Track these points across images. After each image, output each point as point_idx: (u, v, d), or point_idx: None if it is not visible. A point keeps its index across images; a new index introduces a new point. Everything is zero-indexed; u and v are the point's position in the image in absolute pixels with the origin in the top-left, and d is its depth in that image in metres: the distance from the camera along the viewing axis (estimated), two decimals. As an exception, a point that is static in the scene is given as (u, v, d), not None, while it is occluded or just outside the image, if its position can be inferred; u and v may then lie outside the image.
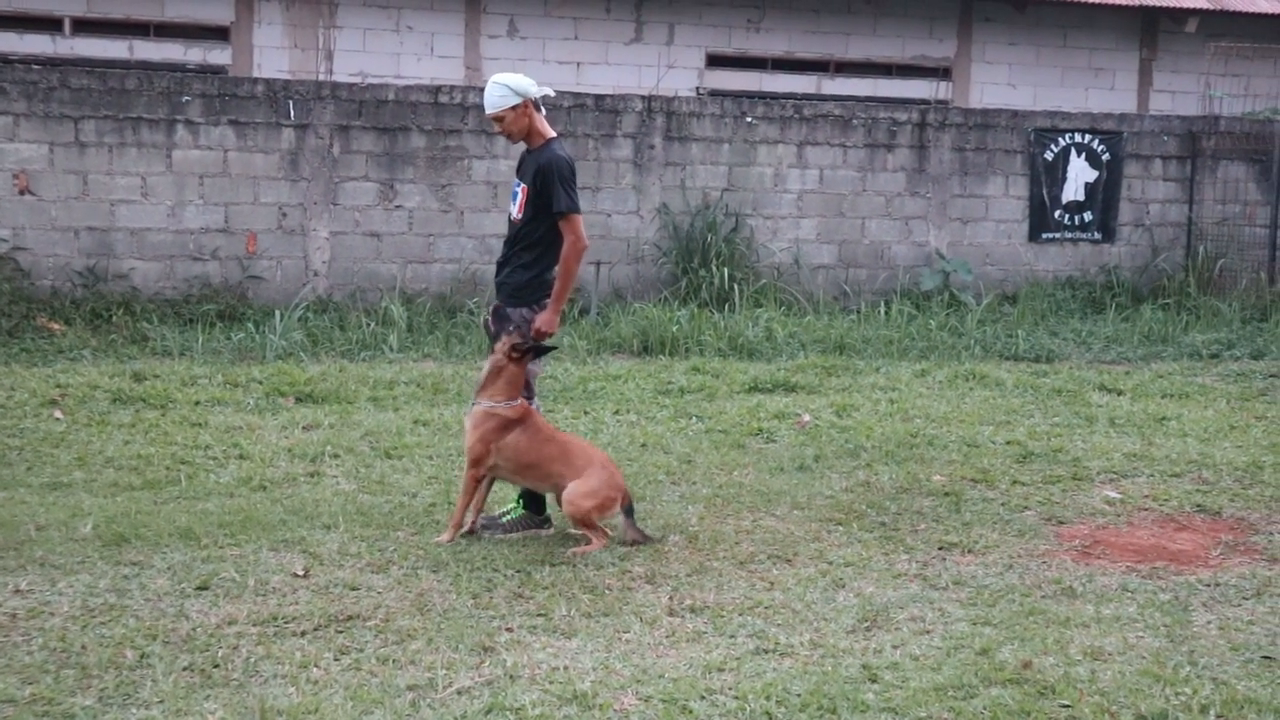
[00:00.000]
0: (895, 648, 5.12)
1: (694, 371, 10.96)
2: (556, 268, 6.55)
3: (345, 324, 12.24)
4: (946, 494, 7.45)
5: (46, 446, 8.01)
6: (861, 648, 5.11)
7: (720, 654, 5.03)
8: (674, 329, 12.16)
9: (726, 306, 13.21)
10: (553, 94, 6.79)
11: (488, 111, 6.50)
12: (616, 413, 9.51)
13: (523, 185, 6.54)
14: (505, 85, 6.42)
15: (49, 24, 15.06)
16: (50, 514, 6.60)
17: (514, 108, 6.42)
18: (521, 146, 6.70)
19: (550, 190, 6.42)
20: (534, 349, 6.50)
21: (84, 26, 15.18)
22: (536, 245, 6.53)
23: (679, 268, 13.83)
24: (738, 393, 10.31)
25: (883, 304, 13.98)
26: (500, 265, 6.71)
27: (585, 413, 9.45)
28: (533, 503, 6.69)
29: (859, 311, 13.65)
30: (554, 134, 6.63)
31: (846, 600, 5.68)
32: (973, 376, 11.07)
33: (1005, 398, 10.32)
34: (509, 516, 6.70)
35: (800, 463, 8.11)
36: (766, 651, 5.07)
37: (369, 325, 12.14)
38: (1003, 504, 7.32)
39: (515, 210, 6.60)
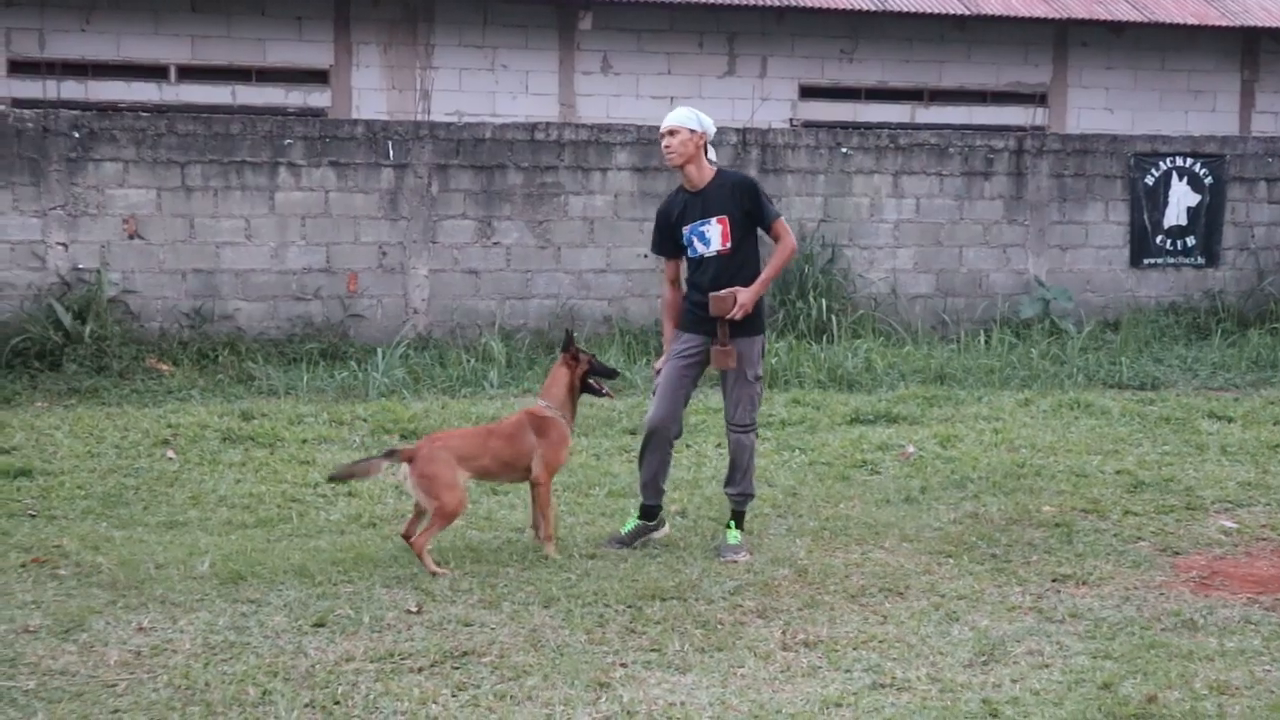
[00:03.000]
0: (1015, 682, 5.05)
1: (794, 403, 10.93)
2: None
3: (445, 361, 12.35)
4: (1057, 525, 7.36)
5: (161, 486, 8.16)
6: (980, 682, 5.06)
7: (837, 689, 5.00)
8: (773, 361, 12.13)
9: (825, 337, 13.16)
10: (716, 159, 7.02)
11: (666, 123, 6.80)
12: (718, 445, 9.49)
13: (719, 217, 6.80)
14: (694, 112, 6.85)
15: (155, 72, 15.43)
16: (168, 552, 6.72)
17: (692, 131, 6.75)
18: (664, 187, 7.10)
19: (759, 204, 6.80)
20: (603, 371, 7.11)
21: (188, 73, 15.53)
22: (746, 266, 6.85)
23: (776, 299, 13.80)
24: (839, 424, 10.27)
25: (982, 333, 13.85)
26: (702, 305, 6.85)
27: (688, 445, 9.45)
28: (646, 511, 7.03)
29: (958, 341, 13.56)
30: (711, 167, 6.91)
31: (962, 634, 5.62)
32: (1077, 405, 10.93)
33: (1112, 426, 10.18)
34: (628, 529, 7.02)
35: (906, 494, 8.06)
36: (883, 686, 5.03)
37: (469, 362, 12.24)
38: (1115, 535, 7.22)
39: (717, 245, 6.81)
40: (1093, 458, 9.04)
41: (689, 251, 6.90)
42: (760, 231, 6.93)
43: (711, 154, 6.87)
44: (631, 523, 7.05)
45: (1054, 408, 10.85)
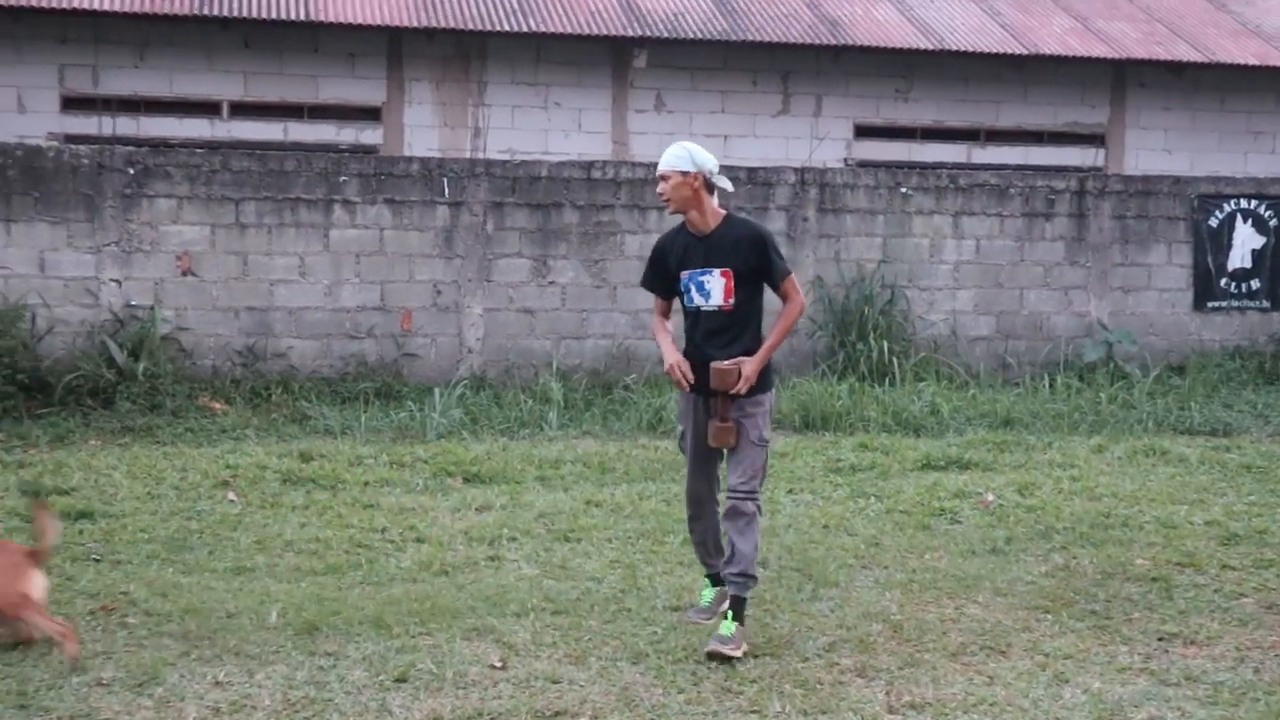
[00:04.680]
0: (1142, 751, 4.80)
1: (862, 448, 10.68)
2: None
3: (502, 401, 12.15)
4: (1154, 579, 7.09)
5: (225, 529, 7.96)
6: (1105, 751, 4.80)
7: (953, 757, 4.75)
8: (836, 404, 11.90)
9: (887, 380, 12.92)
10: (731, 188, 6.40)
11: (659, 169, 6.12)
12: (790, 491, 9.26)
13: (723, 270, 6.06)
14: (686, 149, 6.12)
15: (208, 108, 15.35)
16: (238, 600, 6.51)
17: (684, 174, 6.03)
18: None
19: (768, 261, 6.08)
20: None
21: (240, 110, 15.44)
22: (748, 325, 6.14)
23: (835, 340, 13.59)
24: (910, 470, 10.01)
25: (1045, 376, 13.57)
26: (704, 364, 6.10)
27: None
28: (715, 579, 6.49)
29: (1024, 384, 13.29)
30: (721, 210, 6.20)
31: (1075, 697, 5.36)
32: (1153, 452, 10.64)
33: (1192, 475, 9.90)
34: (707, 600, 6.49)
35: (992, 545, 7.79)
36: (1003, 754, 4.78)
37: (526, 403, 12.03)
38: (1216, 590, 6.94)
39: (718, 300, 6.09)
40: (1178, 508, 8.75)
41: (685, 300, 6.21)
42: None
43: (721, 190, 6.18)
44: (708, 592, 6.51)
45: (1129, 454, 10.57)
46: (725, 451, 6.24)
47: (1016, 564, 7.41)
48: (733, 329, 6.11)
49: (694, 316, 6.21)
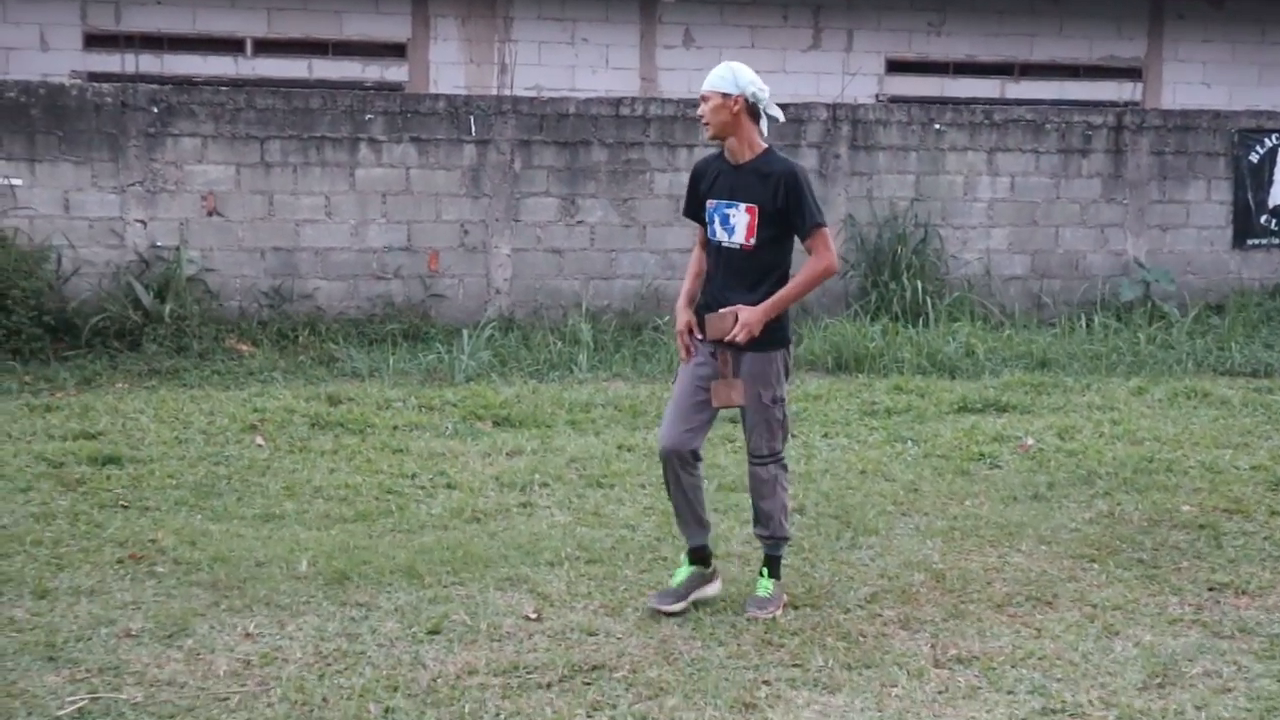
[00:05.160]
0: (1198, 709, 4.66)
1: (897, 390, 10.51)
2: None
3: (530, 343, 12.01)
4: (1201, 526, 6.93)
5: (253, 475, 7.85)
6: (1160, 708, 4.66)
7: (1003, 713, 4.63)
8: (870, 344, 11.72)
9: (921, 321, 12.72)
10: (781, 117, 5.90)
11: (702, 89, 5.65)
12: (825, 435, 9.11)
13: (748, 205, 5.58)
14: (731, 70, 5.61)
15: (231, 45, 15.12)
16: (267, 549, 6.41)
17: (725, 95, 5.54)
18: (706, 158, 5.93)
19: (799, 203, 5.55)
20: None
21: (264, 47, 15.21)
22: (773, 271, 5.64)
23: (868, 280, 13.37)
24: (947, 413, 9.84)
25: (1082, 316, 13.35)
26: (713, 306, 5.67)
27: (792, 435, 9.05)
28: (694, 554, 5.85)
29: (1060, 324, 13.06)
30: (762, 142, 5.71)
31: (1125, 650, 5.22)
32: (1194, 394, 10.45)
33: (1235, 417, 9.71)
34: (679, 580, 5.78)
35: (1033, 491, 7.64)
36: (1054, 712, 4.65)
37: (555, 344, 11.89)
38: (1265, 538, 6.78)
39: (740, 236, 5.61)
40: (1223, 451, 8.57)
41: (709, 232, 5.76)
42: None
43: (765, 123, 5.68)
44: (682, 571, 5.82)
45: (1170, 397, 10.38)
46: (740, 411, 5.78)
47: (1059, 511, 7.26)
48: (754, 273, 5.62)
49: (715, 253, 5.73)
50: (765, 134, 5.74)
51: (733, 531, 6.78)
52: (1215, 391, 10.51)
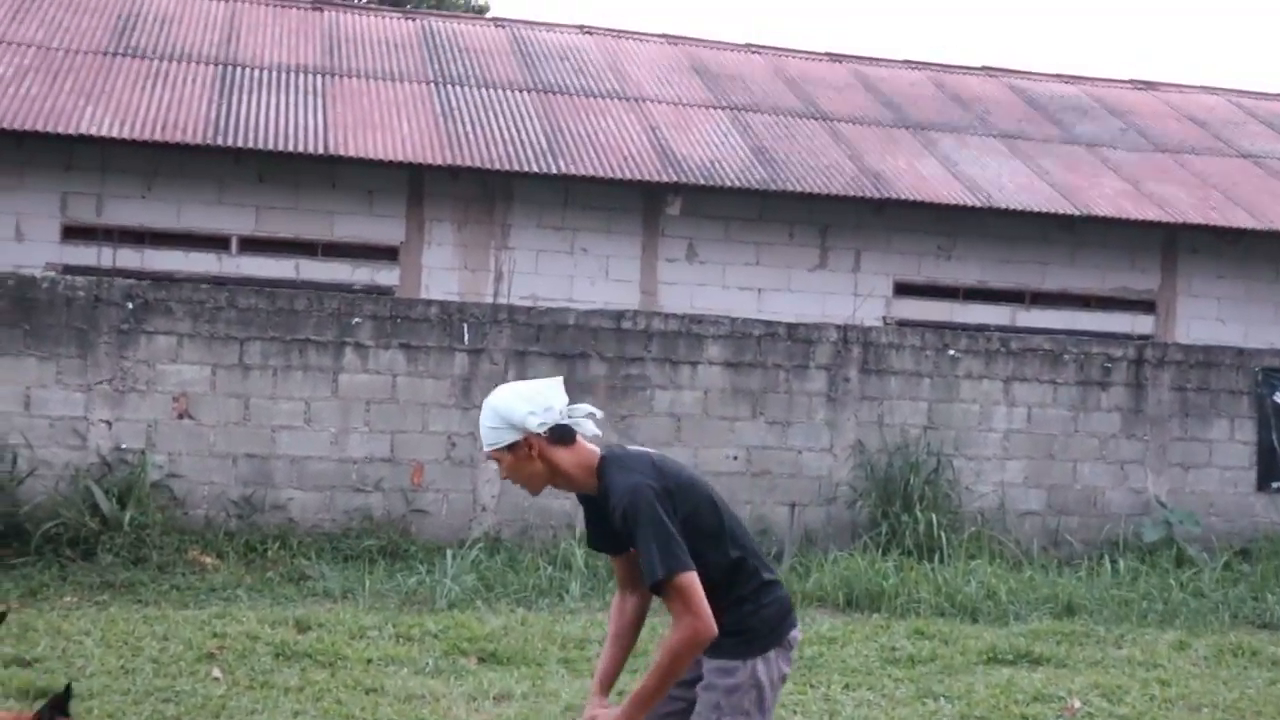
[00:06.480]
0: None
1: (918, 635, 9.64)
2: (747, 607, 4.33)
3: (518, 565, 11.15)
4: (1293, 818, 6.04)
5: (205, 718, 6.91)
6: None
7: None
8: (884, 581, 10.89)
9: (936, 556, 11.89)
10: (594, 433, 4.29)
11: (485, 449, 4.30)
12: (847, 687, 8.21)
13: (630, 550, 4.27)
14: (497, 413, 4.19)
15: (216, 242, 14.54)
16: (215, 813, 5.46)
17: (512, 448, 4.20)
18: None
19: (640, 542, 4.10)
20: None
21: (251, 245, 14.64)
22: (717, 594, 4.21)
23: (877, 511, 12.59)
24: (975, 663, 8.96)
25: (1103, 557, 12.54)
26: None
27: (811, 686, 8.16)
28: None
29: (1084, 566, 12.25)
30: (596, 457, 4.26)
31: None
32: (1240, 651, 9.60)
33: (1292, 680, 8.86)
34: None
35: (1092, 765, 6.75)
36: None
37: (546, 568, 11.02)
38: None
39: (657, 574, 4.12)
40: (1292, 723, 7.72)
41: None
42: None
43: (587, 429, 4.27)
44: None
45: (1214, 653, 9.53)
46: None
47: (1127, 791, 6.37)
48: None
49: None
50: (589, 435, 4.30)
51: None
52: (1263, 650, 9.67)
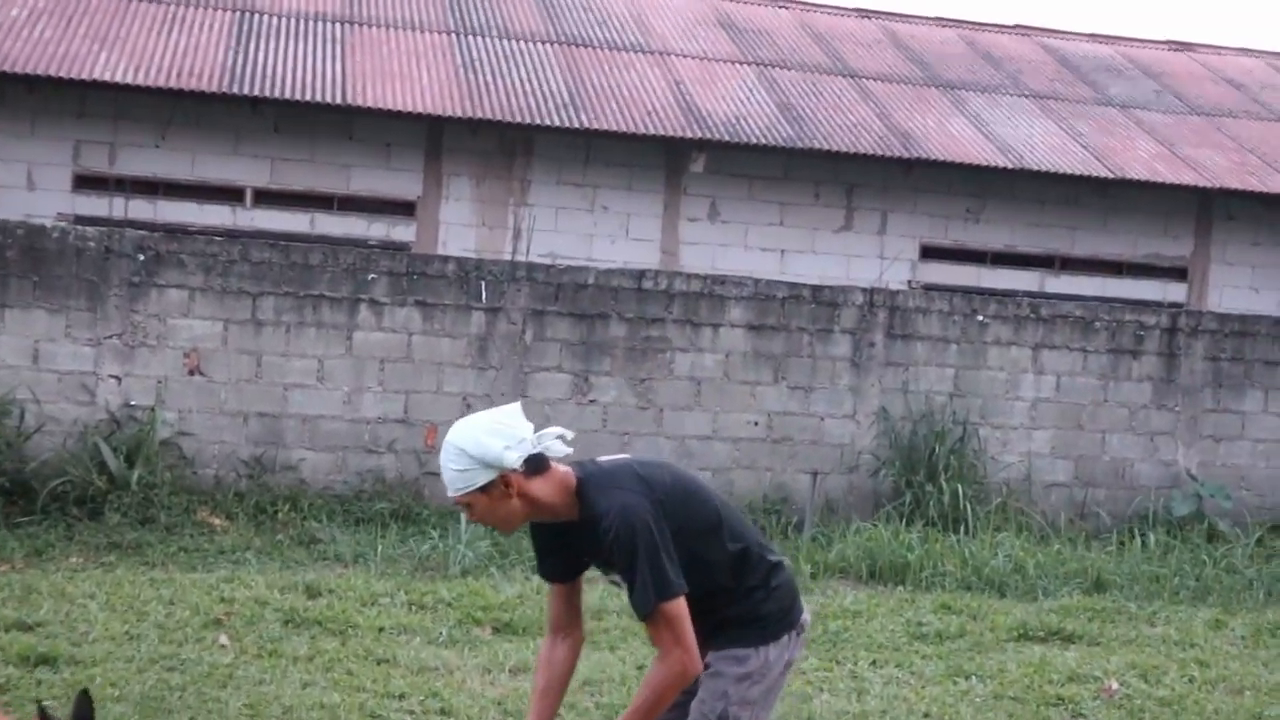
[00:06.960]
0: None
1: (944, 610, 9.36)
2: (758, 594, 4.20)
3: (533, 531, 10.87)
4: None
5: (212, 687, 6.66)
6: None
7: None
8: (907, 554, 10.61)
9: (961, 528, 11.61)
10: (564, 452, 4.11)
11: (452, 495, 4.03)
12: (874, 664, 7.95)
13: (610, 577, 4.17)
14: (464, 453, 3.91)
15: (230, 194, 14.23)
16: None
17: (486, 489, 3.93)
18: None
19: (631, 574, 3.91)
20: None
21: (265, 197, 14.33)
22: (714, 604, 4.12)
23: (901, 480, 12.30)
24: (1005, 640, 8.69)
25: (1132, 531, 12.24)
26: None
27: (837, 662, 7.90)
28: None
29: (1112, 540, 11.95)
30: (573, 479, 4.08)
31: None
32: (1279, 631, 9.32)
33: (1332, 662, 8.57)
34: None
35: (1133, 753, 6.48)
36: None
37: (562, 535, 10.75)
38: None
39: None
40: (1337, 709, 7.43)
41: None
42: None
43: (557, 451, 4.08)
44: None
45: (1252, 633, 9.24)
46: None
47: (1169, 782, 6.10)
48: (697, 619, 4.02)
49: None
50: (559, 455, 4.09)
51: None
52: (1306, 630, 9.38)
